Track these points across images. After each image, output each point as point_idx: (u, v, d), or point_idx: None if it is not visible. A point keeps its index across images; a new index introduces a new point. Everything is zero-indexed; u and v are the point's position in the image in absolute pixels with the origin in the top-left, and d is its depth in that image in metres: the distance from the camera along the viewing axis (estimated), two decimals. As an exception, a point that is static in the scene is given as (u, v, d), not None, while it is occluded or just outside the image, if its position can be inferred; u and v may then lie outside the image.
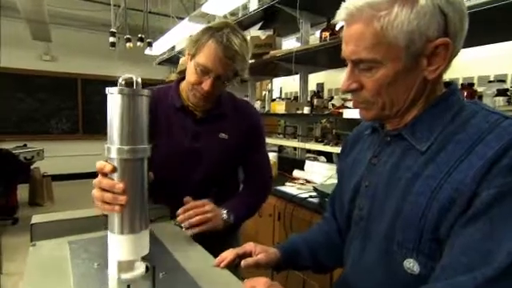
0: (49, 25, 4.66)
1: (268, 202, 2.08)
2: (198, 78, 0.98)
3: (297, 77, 2.79)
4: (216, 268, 0.74)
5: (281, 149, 3.34)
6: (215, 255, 0.81)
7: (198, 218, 0.92)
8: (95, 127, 6.08)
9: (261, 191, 1.21)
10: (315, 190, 1.83)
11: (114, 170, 0.62)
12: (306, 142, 2.76)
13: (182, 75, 1.10)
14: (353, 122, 3.40)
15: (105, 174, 0.63)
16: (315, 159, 2.79)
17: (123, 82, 0.64)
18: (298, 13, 2.41)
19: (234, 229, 1.24)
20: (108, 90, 0.62)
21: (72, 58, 5.96)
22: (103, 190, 0.63)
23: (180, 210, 0.93)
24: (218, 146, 1.08)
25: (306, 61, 2.54)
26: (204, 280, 0.65)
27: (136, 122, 0.62)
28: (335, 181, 2.02)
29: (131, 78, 0.64)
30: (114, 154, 0.62)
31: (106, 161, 0.64)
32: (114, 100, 0.62)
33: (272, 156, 2.42)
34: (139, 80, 0.64)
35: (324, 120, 4.52)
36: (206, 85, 0.97)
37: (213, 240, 0.99)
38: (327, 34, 2.41)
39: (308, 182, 2.21)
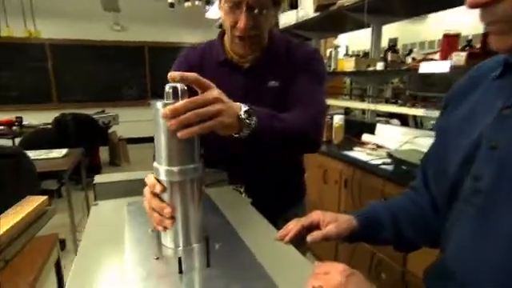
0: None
1: (334, 168, 1.93)
2: (232, 18, 0.87)
3: (367, 31, 2.45)
4: (278, 242, 0.64)
5: (347, 111, 3.09)
6: (277, 226, 0.72)
7: (192, 113, 0.55)
8: (162, 93, 6.37)
9: (306, 118, 0.84)
10: (389, 156, 1.62)
11: (164, 190, 0.58)
12: (376, 103, 2.47)
13: (222, 29, 0.99)
14: (429, 81, 2.96)
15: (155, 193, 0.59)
16: (387, 122, 2.51)
17: (170, 91, 0.56)
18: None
19: (299, 195, 1.14)
20: (152, 103, 0.56)
21: (139, 27, 6.20)
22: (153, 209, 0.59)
23: (166, 110, 0.55)
24: (267, 97, 0.93)
25: (380, 9, 2.19)
26: (264, 256, 0.56)
27: (185, 140, 0.55)
28: (413, 147, 1.79)
29: (176, 88, 0.56)
30: (162, 176, 0.57)
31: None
32: (160, 115, 0.54)
33: (338, 119, 2.21)
34: (185, 88, 0.57)
35: (396, 80, 4.05)
36: (241, 21, 0.85)
37: (275, 208, 0.91)
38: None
39: (379, 147, 1.99)
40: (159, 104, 0.55)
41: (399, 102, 2.37)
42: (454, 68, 1.59)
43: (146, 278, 0.50)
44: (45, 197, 1.37)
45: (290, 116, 0.81)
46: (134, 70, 6.37)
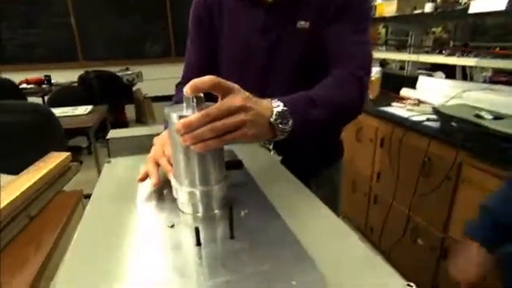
0: None
1: (369, 125, 1.77)
2: None
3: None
4: (313, 207, 0.54)
5: (383, 64, 2.81)
6: (309, 189, 0.61)
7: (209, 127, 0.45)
8: (185, 49, 6.20)
9: (351, 82, 0.72)
10: (436, 112, 1.44)
11: None
12: (418, 54, 2.20)
13: None
14: (479, 29, 2.58)
15: None
16: (429, 76, 2.24)
17: (189, 98, 0.46)
18: None
19: (334, 156, 1.02)
20: (166, 111, 0.47)
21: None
22: None
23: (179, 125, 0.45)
24: (295, 39, 0.79)
25: None
26: (299, 224, 0.46)
27: (210, 157, 0.48)
28: (459, 101, 1.57)
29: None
30: (183, 199, 0.50)
31: None
32: (174, 128, 0.46)
33: (375, 72, 2.00)
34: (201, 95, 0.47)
35: (439, 29, 3.62)
36: None
37: (307, 169, 0.79)
38: None
39: (421, 102, 1.78)
40: (174, 116, 0.46)
41: (447, 51, 2.09)
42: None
43: (156, 250, 0.41)
44: (68, 153, 1.34)
45: (330, 90, 0.69)
46: (157, 25, 6.18)
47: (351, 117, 0.77)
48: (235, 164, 0.64)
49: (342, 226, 0.48)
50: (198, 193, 0.49)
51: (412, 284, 0.35)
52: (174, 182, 0.51)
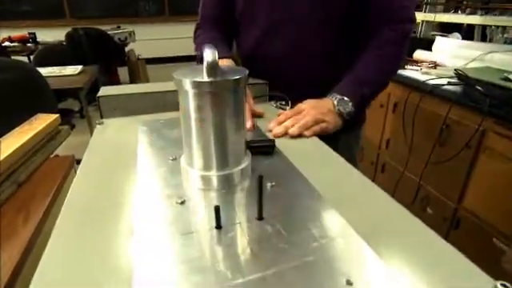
0: None
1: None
2: None
3: None
4: (351, 175, 0.45)
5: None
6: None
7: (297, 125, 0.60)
8: (181, 7, 5.83)
9: (397, 42, 0.74)
10: (458, 75, 1.32)
11: None
12: (434, 12, 2.03)
13: None
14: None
15: None
16: (445, 37, 2.09)
17: (209, 61, 0.35)
18: None
19: (354, 121, 0.92)
20: (175, 77, 0.36)
21: None
22: None
23: (272, 124, 0.62)
24: None
25: None
26: (338, 198, 0.37)
27: (230, 133, 0.39)
28: (481, 64, 1.45)
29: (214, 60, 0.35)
30: (199, 184, 0.40)
31: None
32: (189, 101, 0.37)
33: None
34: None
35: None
36: None
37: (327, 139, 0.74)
38: None
39: (437, 65, 1.65)
40: (188, 82, 0.36)
41: (466, 10, 1.93)
42: None
43: (162, 235, 0.32)
44: (56, 115, 1.22)
45: (375, 64, 0.73)
46: (149, -19, 5.75)
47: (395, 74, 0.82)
48: (266, 146, 0.51)
49: (380, 193, 0.39)
50: (214, 161, 0.39)
51: (507, 284, 0.26)
52: (183, 164, 0.41)
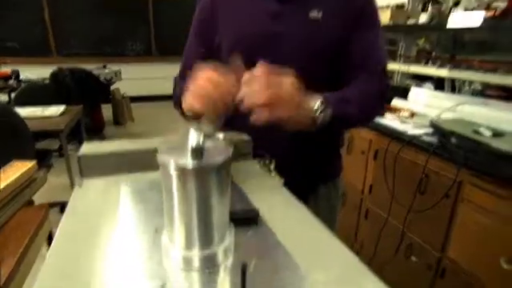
0: None
1: (362, 136, 1.71)
2: None
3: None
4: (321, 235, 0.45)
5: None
6: (308, 204, 0.58)
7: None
8: (167, 48, 6.01)
9: (376, 84, 0.77)
10: (434, 126, 1.39)
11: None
12: (409, 63, 2.18)
13: None
14: (461, 39, 2.62)
15: None
16: (419, 86, 2.22)
17: (193, 146, 0.35)
18: None
19: (334, 172, 0.94)
20: (160, 157, 0.36)
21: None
22: None
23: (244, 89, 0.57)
24: (307, 29, 0.75)
25: None
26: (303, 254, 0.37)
27: (214, 213, 0.38)
28: (456, 115, 1.54)
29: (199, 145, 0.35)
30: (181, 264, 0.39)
31: None
32: (172, 181, 0.36)
33: (366, 81, 1.94)
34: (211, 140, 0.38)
35: (421, 40, 3.68)
36: None
37: (305, 186, 0.76)
38: None
39: (414, 114, 1.74)
40: (172, 164, 0.36)
41: (436, 63, 2.08)
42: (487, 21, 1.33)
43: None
44: (33, 162, 1.18)
45: (360, 92, 0.74)
46: (138, 23, 5.94)
47: (374, 117, 0.85)
48: (249, 217, 0.51)
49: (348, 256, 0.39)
50: (196, 245, 0.38)
51: None
52: (165, 241, 0.40)
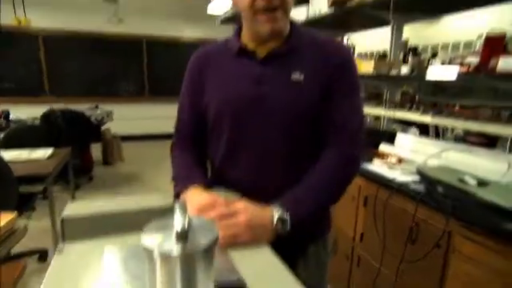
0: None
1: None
2: None
3: (373, 31, 2.24)
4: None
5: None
6: (297, 270, 0.55)
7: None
8: (160, 89, 6.15)
9: (343, 164, 0.79)
10: (420, 173, 1.41)
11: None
12: (393, 109, 2.26)
13: (240, 25, 0.86)
14: (440, 85, 2.77)
15: None
16: (405, 131, 2.30)
17: (178, 231, 0.36)
18: None
19: (322, 230, 0.93)
20: (144, 242, 0.36)
21: (138, 20, 5.94)
22: None
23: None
24: (289, 93, 0.78)
25: (404, 6, 1.98)
26: None
27: None
28: (442, 162, 1.57)
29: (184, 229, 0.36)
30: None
31: None
32: (156, 265, 0.35)
33: (353, 126, 2.00)
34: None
35: (405, 85, 3.86)
36: None
37: (293, 245, 0.74)
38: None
39: (401, 159, 1.77)
40: (156, 252, 0.35)
41: (419, 108, 2.17)
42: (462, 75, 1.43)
43: None
44: (11, 215, 1.15)
45: (334, 162, 0.78)
46: (132, 64, 6.12)
47: (345, 191, 0.82)
48: None
49: None
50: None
51: None
52: None
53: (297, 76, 0.77)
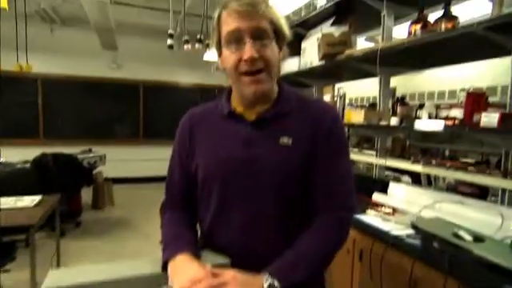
0: (115, 34, 4.81)
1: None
2: (236, 55, 0.76)
3: (366, 80, 2.35)
4: None
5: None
6: None
7: None
8: (154, 132, 6.20)
9: (334, 229, 0.78)
10: (414, 227, 1.39)
11: None
12: (384, 157, 2.29)
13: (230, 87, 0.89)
14: (429, 133, 2.85)
15: None
16: (397, 179, 2.31)
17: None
18: (385, 4, 1.99)
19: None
20: None
21: (136, 66, 6.16)
22: None
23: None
24: (278, 155, 0.78)
25: (389, 61, 2.10)
26: None
27: None
28: (435, 213, 1.56)
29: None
30: None
31: None
32: None
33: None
34: None
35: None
36: (247, 50, 0.75)
37: None
38: (417, 27, 1.96)
39: (395, 210, 1.76)
40: None
41: (411, 156, 2.20)
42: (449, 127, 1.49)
43: None
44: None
45: (324, 227, 0.77)
46: (128, 108, 6.22)
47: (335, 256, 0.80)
48: None
49: None
50: None
51: None
52: None
53: (285, 140, 0.79)
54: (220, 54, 0.82)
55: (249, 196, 0.79)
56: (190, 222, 0.87)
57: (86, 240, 3.51)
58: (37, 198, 2.20)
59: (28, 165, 3.43)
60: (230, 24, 0.75)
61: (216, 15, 0.79)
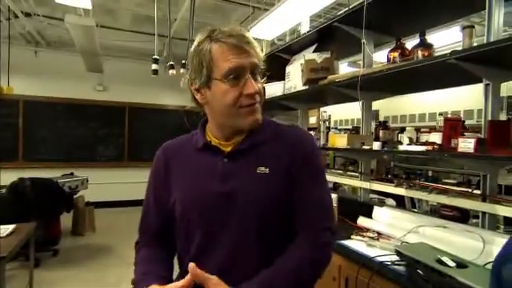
0: (100, 57, 4.81)
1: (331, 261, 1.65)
2: (236, 89, 0.77)
3: (349, 104, 2.41)
4: None
5: (335, 187, 2.90)
6: None
7: None
8: (140, 154, 6.10)
9: (309, 247, 0.78)
10: (398, 254, 1.38)
11: None
12: (368, 180, 2.31)
13: (205, 118, 0.90)
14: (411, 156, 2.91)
15: None
16: (382, 202, 2.32)
17: None
18: (364, 32, 2.06)
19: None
20: None
21: (121, 88, 6.12)
22: None
23: None
24: (256, 186, 0.78)
25: (370, 86, 2.16)
26: None
27: None
28: (420, 238, 1.56)
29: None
30: None
31: None
32: None
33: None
34: None
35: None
36: (251, 86, 0.77)
37: None
38: (396, 54, 2.04)
39: (380, 235, 1.76)
40: None
41: (395, 181, 2.22)
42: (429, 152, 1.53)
43: None
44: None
45: (300, 252, 0.76)
46: (113, 130, 6.12)
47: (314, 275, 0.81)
48: None
49: None
50: None
51: None
52: None
53: (262, 169, 0.79)
54: (206, 87, 0.79)
55: (229, 230, 0.77)
56: (165, 257, 0.84)
57: (65, 269, 3.34)
58: (10, 227, 2.09)
59: (3, 190, 3.29)
60: (231, 60, 0.75)
61: (206, 48, 0.77)
